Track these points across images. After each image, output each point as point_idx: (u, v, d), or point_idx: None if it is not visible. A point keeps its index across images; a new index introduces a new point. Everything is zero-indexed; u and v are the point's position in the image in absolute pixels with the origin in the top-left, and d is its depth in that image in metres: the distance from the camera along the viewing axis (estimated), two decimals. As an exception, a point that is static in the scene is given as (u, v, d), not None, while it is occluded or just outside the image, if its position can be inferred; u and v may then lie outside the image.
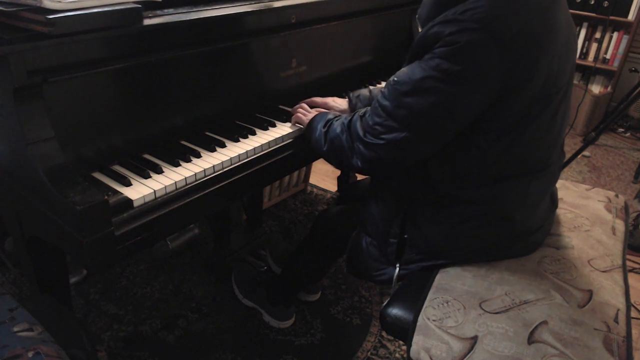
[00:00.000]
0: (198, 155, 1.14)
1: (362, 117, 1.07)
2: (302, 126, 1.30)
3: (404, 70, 0.98)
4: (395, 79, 0.99)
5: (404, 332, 1.02)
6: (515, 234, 1.10)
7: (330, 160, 1.18)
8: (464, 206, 1.06)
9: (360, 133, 1.05)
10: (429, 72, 0.92)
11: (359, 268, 1.27)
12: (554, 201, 1.22)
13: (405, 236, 1.15)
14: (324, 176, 2.68)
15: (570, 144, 3.21)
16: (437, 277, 1.09)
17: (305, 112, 1.30)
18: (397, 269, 1.17)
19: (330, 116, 1.20)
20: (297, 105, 1.35)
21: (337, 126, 1.12)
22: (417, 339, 0.96)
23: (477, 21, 0.87)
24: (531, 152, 1.03)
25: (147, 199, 1.00)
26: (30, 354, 0.83)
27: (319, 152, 1.20)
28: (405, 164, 1.05)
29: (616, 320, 0.99)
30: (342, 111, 1.34)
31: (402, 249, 1.17)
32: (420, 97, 0.94)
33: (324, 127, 1.17)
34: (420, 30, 0.99)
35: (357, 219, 1.29)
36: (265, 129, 1.29)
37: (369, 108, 1.07)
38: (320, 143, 1.17)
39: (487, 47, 0.87)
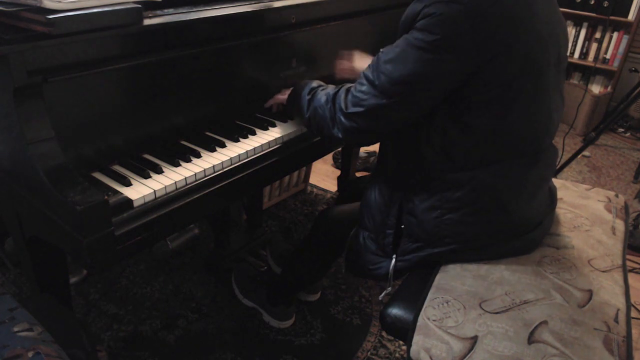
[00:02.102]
0: (198, 155, 1.14)
1: (347, 90, 1.11)
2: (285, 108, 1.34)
3: (389, 45, 1.05)
4: (381, 50, 1.06)
5: (404, 332, 1.02)
6: (512, 225, 1.10)
7: (310, 127, 1.23)
8: (457, 190, 1.07)
9: (343, 105, 1.10)
10: (409, 41, 0.99)
11: (357, 264, 1.28)
12: (552, 198, 1.22)
13: (402, 227, 1.16)
14: (324, 176, 2.68)
15: (570, 144, 3.21)
16: (437, 277, 1.09)
17: (283, 92, 1.36)
18: (394, 260, 1.18)
19: (314, 85, 1.25)
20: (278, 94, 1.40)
21: (322, 96, 1.17)
22: (417, 339, 0.96)
23: None
24: (519, 135, 1.04)
25: (147, 199, 1.00)
26: (30, 354, 0.83)
27: (300, 118, 1.26)
28: (381, 132, 1.12)
29: (616, 320, 0.99)
30: None
31: (399, 241, 1.17)
32: (399, 65, 1.00)
33: (308, 94, 1.22)
34: None
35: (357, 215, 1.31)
36: (265, 129, 1.29)
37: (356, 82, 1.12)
38: (303, 110, 1.22)
39: (459, 18, 0.93)
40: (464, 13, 0.92)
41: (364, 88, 1.06)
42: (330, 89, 1.18)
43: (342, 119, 1.10)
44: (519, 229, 1.11)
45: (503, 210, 1.07)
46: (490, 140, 1.03)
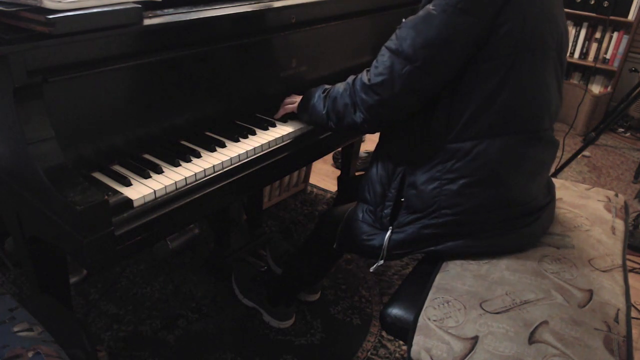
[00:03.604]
0: (198, 155, 1.14)
1: (367, 69, 1.13)
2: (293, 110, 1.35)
3: (412, 16, 1.07)
4: (404, 20, 1.08)
5: (404, 332, 1.02)
6: (510, 205, 1.10)
7: (328, 122, 1.23)
8: (457, 161, 1.08)
9: (365, 79, 1.11)
10: (432, 7, 1.01)
11: (351, 236, 1.28)
12: (549, 191, 1.22)
13: (402, 200, 1.17)
14: (324, 176, 2.68)
15: (570, 144, 3.21)
16: (438, 277, 1.09)
17: (293, 100, 1.37)
18: (390, 231, 1.19)
19: (327, 86, 1.27)
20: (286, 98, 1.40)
21: (339, 86, 1.20)
22: (418, 339, 0.96)
23: None
24: (518, 108, 1.06)
25: (147, 199, 1.00)
26: (30, 354, 0.82)
27: (316, 117, 1.26)
28: (405, 105, 1.10)
29: (616, 320, 0.99)
30: None
31: (397, 214, 1.18)
32: (424, 30, 1.02)
33: (323, 93, 1.24)
34: None
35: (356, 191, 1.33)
36: (265, 129, 1.29)
37: None
38: (319, 107, 1.24)
39: None
40: None
41: (385, 58, 1.07)
42: (347, 80, 1.19)
43: (364, 96, 1.11)
44: (515, 211, 1.11)
45: (501, 184, 1.08)
46: (490, 110, 1.04)
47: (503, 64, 1.02)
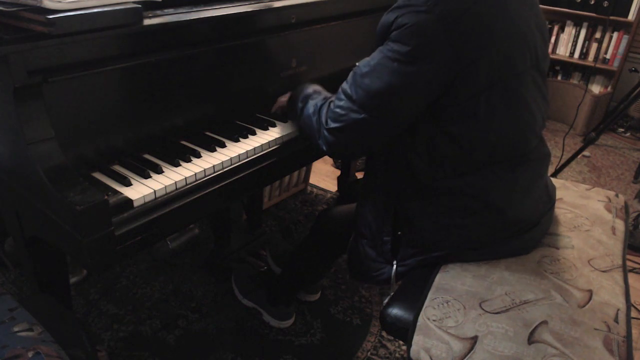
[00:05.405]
0: (198, 155, 1.14)
1: (329, 104, 1.11)
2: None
3: (366, 57, 1.04)
4: (357, 64, 1.05)
5: (404, 332, 1.02)
6: (509, 225, 1.10)
7: (301, 134, 1.25)
8: (449, 196, 1.07)
9: (324, 120, 1.10)
10: (384, 53, 0.98)
11: (360, 271, 1.28)
12: (550, 197, 1.22)
13: (399, 233, 1.16)
14: (324, 176, 2.68)
15: (570, 144, 3.21)
16: (437, 277, 1.09)
17: (287, 95, 1.35)
18: (395, 266, 1.17)
19: (309, 91, 1.23)
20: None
21: (310, 106, 1.17)
22: (417, 339, 0.96)
23: (423, 4, 0.93)
24: (504, 140, 1.04)
25: (147, 199, 1.00)
26: (30, 354, 0.82)
27: (295, 126, 1.28)
28: (365, 147, 1.11)
29: (616, 320, 0.99)
30: None
31: (398, 247, 1.17)
32: (376, 78, 0.98)
33: (301, 102, 1.22)
34: None
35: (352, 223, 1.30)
36: (266, 129, 1.29)
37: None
38: (296, 117, 1.23)
39: (433, 27, 0.92)
40: (437, 22, 0.92)
41: (342, 103, 1.05)
42: (319, 99, 1.16)
43: (325, 133, 1.09)
44: (515, 228, 1.11)
45: (496, 212, 1.07)
46: (476, 147, 1.02)
47: (477, 102, 0.98)
